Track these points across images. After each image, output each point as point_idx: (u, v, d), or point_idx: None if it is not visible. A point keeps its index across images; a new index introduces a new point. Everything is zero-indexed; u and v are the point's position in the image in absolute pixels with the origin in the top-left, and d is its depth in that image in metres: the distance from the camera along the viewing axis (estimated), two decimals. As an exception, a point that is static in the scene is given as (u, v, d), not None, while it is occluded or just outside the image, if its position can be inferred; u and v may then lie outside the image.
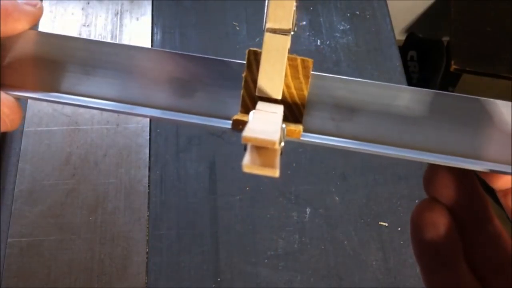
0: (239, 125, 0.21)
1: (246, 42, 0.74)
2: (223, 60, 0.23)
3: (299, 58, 0.21)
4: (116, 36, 0.73)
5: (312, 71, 0.21)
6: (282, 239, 0.61)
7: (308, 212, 0.62)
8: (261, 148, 0.16)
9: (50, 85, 0.23)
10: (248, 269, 0.59)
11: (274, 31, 0.20)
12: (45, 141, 0.64)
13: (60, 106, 0.67)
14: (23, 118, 0.65)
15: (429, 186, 0.23)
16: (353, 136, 0.22)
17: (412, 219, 0.23)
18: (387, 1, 0.79)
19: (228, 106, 0.22)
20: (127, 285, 0.57)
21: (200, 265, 0.59)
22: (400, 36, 1.44)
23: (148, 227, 0.60)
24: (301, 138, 0.21)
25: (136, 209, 0.61)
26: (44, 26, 0.73)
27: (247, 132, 0.16)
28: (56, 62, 0.23)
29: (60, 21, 0.74)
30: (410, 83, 1.30)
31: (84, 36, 0.72)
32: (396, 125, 0.22)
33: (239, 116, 0.21)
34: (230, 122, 0.21)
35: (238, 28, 0.75)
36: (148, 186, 0.63)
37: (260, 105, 0.21)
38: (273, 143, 0.15)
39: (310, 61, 0.21)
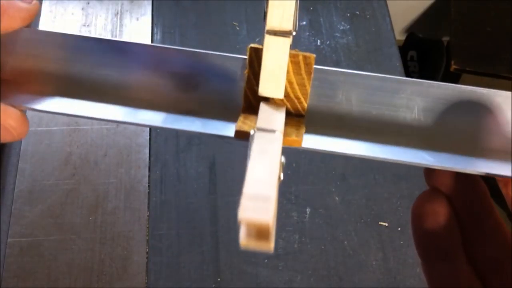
0: (242, 136, 0.21)
1: (246, 42, 0.74)
2: (225, 55, 0.22)
3: (301, 55, 0.21)
4: (116, 36, 0.73)
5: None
6: (282, 239, 0.61)
7: (308, 212, 0.62)
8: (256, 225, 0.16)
9: (52, 92, 0.23)
10: (248, 269, 0.59)
11: (275, 32, 0.19)
12: (45, 141, 0.64)
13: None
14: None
15: (430, 176, 0.23)
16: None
17: (413, 210, 0.23)
18: (387, 1, 0.79)
19: (232, 100, 0.22)
20: (127, 285, 0.57)
21: (200, 265, 0.59)
22: (400, 36, 1.44)
23: (148, 227, 0.60)
24: (302, 146, 0.21)
25: (136, 209, 0.61)
26: (44, 26, 0.73)
27: (242, 213, 0.16)
28: (55, 65, 0.23)
29: (60, 21, 0.74)
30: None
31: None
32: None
33: (241, 127, 0.21)
34: (233, 126, 0.21)
35: (238, 28, 0.75)
36: (148, 186, 0.63)
37: (262, 111, 0.21)
38: (267, 225, 0.16)
39: (312, 57, 0.21)
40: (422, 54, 1.42)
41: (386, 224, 0.62)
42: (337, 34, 0.75)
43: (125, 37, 0.73)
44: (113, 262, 0.58)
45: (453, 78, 1.25)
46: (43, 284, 0.56)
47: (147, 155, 0.65)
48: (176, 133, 0.66)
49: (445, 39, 1.39)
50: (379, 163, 0.65)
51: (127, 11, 0.75)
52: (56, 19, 0.74)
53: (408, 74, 1.39)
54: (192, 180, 0.63)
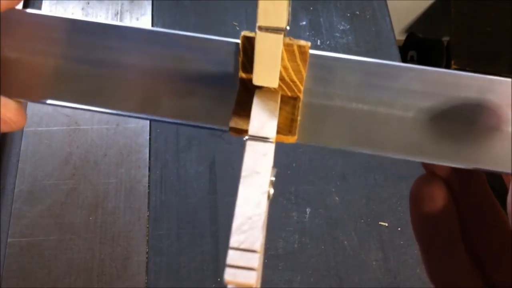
0: (237, 133, 0.21)
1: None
2: (218, 39, 0.22)
3: (295, 45, 0.20)
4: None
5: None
6: (282, 239, 0.61)
7: (308, 212, 0.62)
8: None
9: (49, 86, 0.23)
10: (248, 269, 0.59)
11: (266, 29, 0.19)
12: (45, 141, 0.64)
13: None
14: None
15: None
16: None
17: (411, 194, 0.23)
18: (387, 1, 0.79)
19: (227, 82, 0.22)
20: (127, 285, 0.57)
21: (200, 265, 0.59)
22: (400, 36, 1.44)
23: (148, 227, 0.60)
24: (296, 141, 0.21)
25: (136, 209, 0.61)
26: (44, 26, 0.73)
27: (228, 276, 0.17)
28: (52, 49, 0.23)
29: (60, 21, 0.74)
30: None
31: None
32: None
33: (235, 123, 0.21)
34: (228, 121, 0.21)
35: (238, 28, 0.75)
36: (148, 186, 0.63)
37: (254, 111, 0.21)
38: (251, 286, 0.17)
39: (307, 46, 0.20)
40: (422, 54, 1.42)
41: (386, 224, 0.62)
42: (337, 34, 0.75)
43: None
44: (113, 262, 0.58)
45: (453, 78, 1.25)
46: (43, 284, 0.56)
47: (147, 155, 0.65)
48: (176, 133, 0.66)
49: (445, 39, 1.39)
50: (379, 163, 0.65)
51: (127, 11, 0.75)
52: (56, 19, 0.74)
53: (408, 74, 1.38)
54: (192, 180, 0.63)
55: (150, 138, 0.66)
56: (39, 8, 0.74)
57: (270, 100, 0.21)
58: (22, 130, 0.65)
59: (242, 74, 0.21)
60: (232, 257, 0.17)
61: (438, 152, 0.21)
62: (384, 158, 0.65)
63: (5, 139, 0.65)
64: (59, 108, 0.67)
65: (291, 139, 0.21)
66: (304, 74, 0.21)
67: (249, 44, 0.20)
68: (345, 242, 0.61)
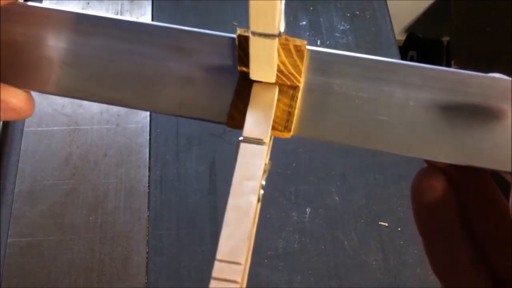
0: (233, 127, 0.21)
1: (246, 42, 0.74)
2: (216, 34, 0.22)
3: (291, 44, 0.20)
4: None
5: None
6: (282, 239, 0.61)
7: (308, 212, 0.62)
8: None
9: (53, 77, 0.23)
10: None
11: (259, 34, 0.18)
12: (45, 141, 0.64)
13: (60, 106, 0.67)
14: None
15: None
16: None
17: (412, 187, 0.23)
18: (387, 1, 0.79)
19: (226, 73, 0.22)
20: (127, 285, 0.57)
21: (200, 265, 0.59)
22: (400, 36, 1.44)
23: (148, 227, 0.60)
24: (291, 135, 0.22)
25: (136, 209, 0.61)
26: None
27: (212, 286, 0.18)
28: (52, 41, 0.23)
29: (60, 21, 0.74)
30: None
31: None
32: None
33: (232, 118, 0.21)
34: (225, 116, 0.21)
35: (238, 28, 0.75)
36: (148, 186, 0.63)
37: (250, 111, 0.21)
38: None
39: (303, 45, 0.20)
40: (422, 54, 1.42)
41: (386, 224, 0.62)
42: (337, 34, 0.75)
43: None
44: (113, 262, 0.58)
45: (453, 78, 1.25)
46: (43, 284, 0.56)
47: (147, 155, 0.65)
48: (176, 133, 0.66)
49: (445, 39, 1.39)
50: (379, 163, 0.66)
51: (127, 11, 0.75)
52: (56, 19, 0.74)
53: (408, 74, 1.38)
54: (192, 180, 0.64)
55: (150, 138, 0.66)
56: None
57: (267, 93, 0.21)
58: (22, 130, 0.65)
59: (240, 67, 0.21)
60: (217, 268, 0.18)
61: (437, 149, 0.21)
62: (384, 158, 0.66)
63: (5, 139, 0.65)
64: (59, 108, 0.67)
65: (286, 135, 0.21)
66: (302, 68, 0.21)
67: (245, 41, 0.20)
68: (345, 242, 0.61)
